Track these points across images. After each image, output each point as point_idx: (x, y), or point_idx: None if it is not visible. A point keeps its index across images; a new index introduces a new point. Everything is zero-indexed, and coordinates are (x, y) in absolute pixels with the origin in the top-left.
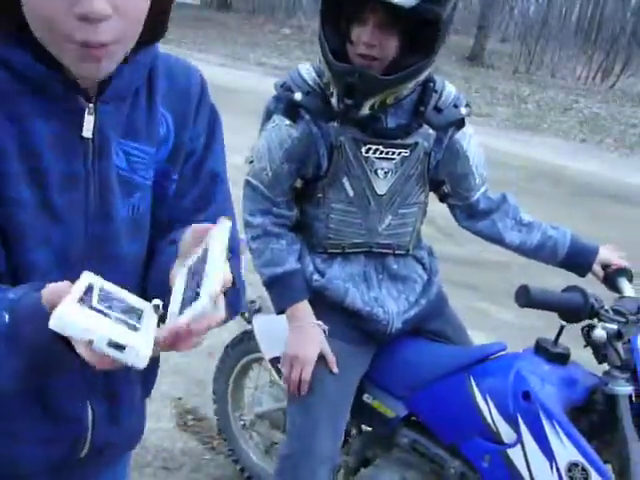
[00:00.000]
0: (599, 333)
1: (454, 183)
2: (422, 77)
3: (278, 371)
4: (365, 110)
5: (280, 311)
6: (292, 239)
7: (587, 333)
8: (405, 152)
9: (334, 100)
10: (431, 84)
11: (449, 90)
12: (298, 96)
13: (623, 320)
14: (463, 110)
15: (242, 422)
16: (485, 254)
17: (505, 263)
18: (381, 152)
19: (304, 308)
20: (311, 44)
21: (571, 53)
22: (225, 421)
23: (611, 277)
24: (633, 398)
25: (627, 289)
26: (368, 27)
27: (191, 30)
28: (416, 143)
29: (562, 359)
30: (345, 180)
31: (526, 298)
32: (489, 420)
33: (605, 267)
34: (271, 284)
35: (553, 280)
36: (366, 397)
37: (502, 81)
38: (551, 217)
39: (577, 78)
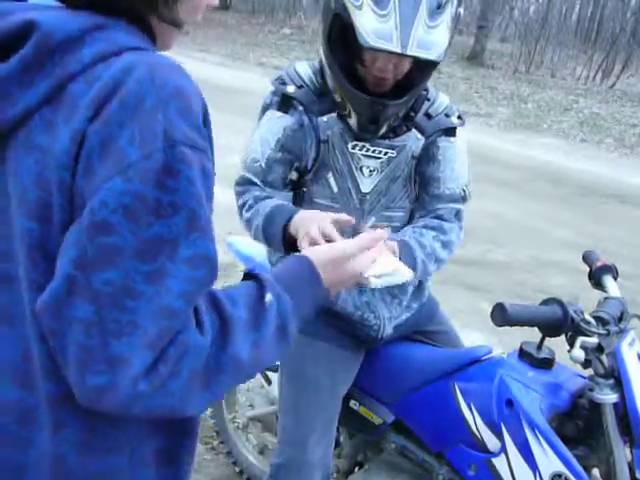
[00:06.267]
0: (577, 353)
1: (421, 185)
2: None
3: (266, 379)
4: (384, 129)
5: (283, 239)
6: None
7: (570, 342)
8: (392, 152)
9: (352, 122)
10: (424, 92)
11: (442, 100)
12: (291, 89)
13: (604, 332)
14: (454, 120)
15: (236, 424)
16: (486, 254)
17: (507, 263)
18: (367, 149)
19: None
20: (311, 44)
21: (571, 53)
22: (221, 423)
23: (596, 275)
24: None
25: (612, 288)
26: (382, 53)
27: (190, 30)
28: (404, 145)
29: (547, 364)
30: (330, 175)
31: (503, 317)
32: (474, 428)
33: (590, 265)
34: (266, 225)
35: (555, 280)
36: (352, 404)
37: (502, 81)
38: (551, 217)
39: (577, 78)
